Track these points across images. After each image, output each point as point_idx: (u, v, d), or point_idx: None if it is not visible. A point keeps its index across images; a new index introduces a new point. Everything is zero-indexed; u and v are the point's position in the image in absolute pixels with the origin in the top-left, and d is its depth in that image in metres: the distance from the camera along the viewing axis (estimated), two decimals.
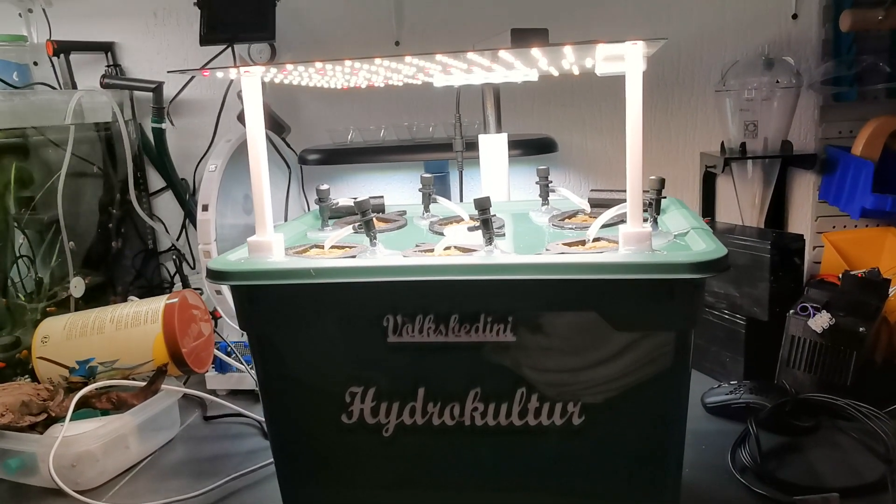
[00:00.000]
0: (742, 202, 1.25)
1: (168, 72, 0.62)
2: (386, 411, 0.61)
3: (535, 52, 0.61)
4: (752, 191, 1.22)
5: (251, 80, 0.59)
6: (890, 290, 0.92)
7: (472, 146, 1.09)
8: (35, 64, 1.35)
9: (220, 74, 0.59)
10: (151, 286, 1.38)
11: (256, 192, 0.61)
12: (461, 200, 1.20)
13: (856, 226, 1.21)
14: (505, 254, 0.61)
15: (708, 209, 1.28)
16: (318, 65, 0.58)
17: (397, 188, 1.37)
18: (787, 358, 0.91)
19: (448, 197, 1.24)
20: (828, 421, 0.84)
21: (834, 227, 1.23)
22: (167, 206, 1.41)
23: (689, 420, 0.59)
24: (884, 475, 0.71)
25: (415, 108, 1.32)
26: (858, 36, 1.12)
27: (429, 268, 0.56)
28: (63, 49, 1.28)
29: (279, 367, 0.63)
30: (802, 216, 1.26)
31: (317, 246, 0.69)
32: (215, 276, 0.59)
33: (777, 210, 1.25)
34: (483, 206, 0.59)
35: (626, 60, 0.54)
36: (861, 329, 0.85)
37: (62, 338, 0.91)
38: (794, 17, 1.18)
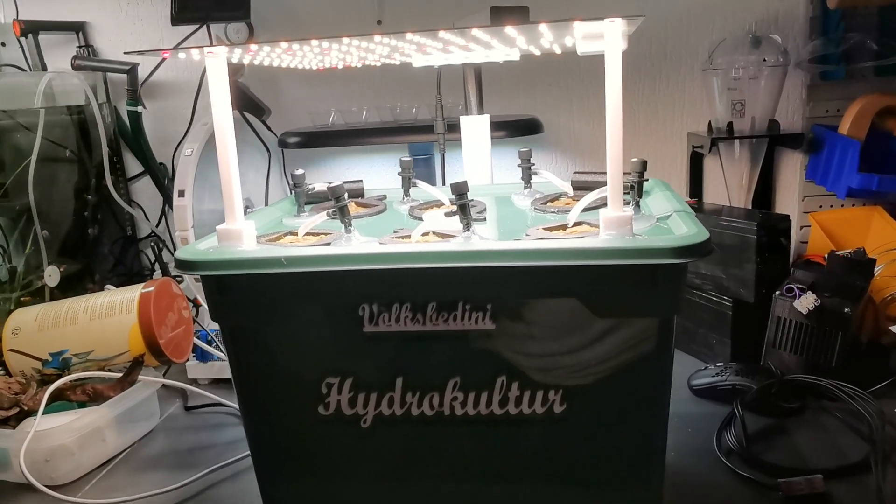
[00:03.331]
0: (729, 182, 1.24)
1: (125, 52, 0.59)
2: (364, 402, 0.60)
3: (510, 30, 0.59)
4: (740, 171, 1.21)
5: (216, 61, 0.56)
6: (875, 269, 0.91)
7: (455, 128, 1.06)
8: (2, 45, 1.31)
9: (182, 56, 0.56)
10: (131, 274, 1.36)
11: (225, 179, 0.59)
12: (443, 184, 1.18)
13: (842, 205, 1.20)
14: (483, 240, 0.59)
15: (695, 189, 1.26)
16: (284, 44, 0.56)
17: (380, 171, 1.34)
18: (773, 339, 0.90)
19: (433, 180, 1.22)
20: (813, 402, 0.84)
21: (821, 206, 1.22)
22: (146, 192, 1.38)
23: (675, 403, 0.58)
24: (867, 455, 0.71)
25: (398, 89, 1.29)
26: (846, 13, 1.11)
27: (404, 255, 0.54)
28: (31, 29, 1.24)
29: (253, 359, 0.61)
30: (789, 196, 1.25)
31: (291, 233, 0.67)
32: (183, 265, 0.57)
33: (764, 190, 1.24)
34: (460, 191, 0.57)
35: (604, 39, 0.52)
36: (846, 310, 0.84)
37: (34, 329, 0.88)
38: None
